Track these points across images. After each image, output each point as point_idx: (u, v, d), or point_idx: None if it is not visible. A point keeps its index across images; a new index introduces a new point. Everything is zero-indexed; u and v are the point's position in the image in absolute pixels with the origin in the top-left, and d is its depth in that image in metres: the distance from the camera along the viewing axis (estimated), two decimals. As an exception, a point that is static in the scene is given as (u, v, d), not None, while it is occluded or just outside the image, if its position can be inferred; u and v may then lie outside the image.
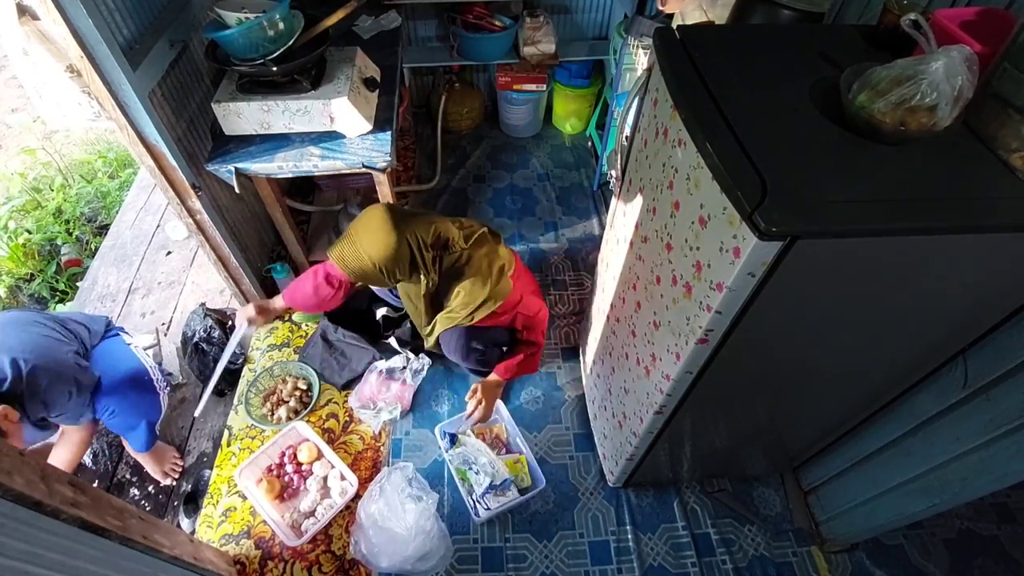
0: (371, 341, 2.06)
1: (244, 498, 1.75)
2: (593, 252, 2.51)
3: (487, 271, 1.54)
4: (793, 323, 0.98)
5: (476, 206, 2.73)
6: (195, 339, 2.03)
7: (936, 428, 1.26)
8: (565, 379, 2.07)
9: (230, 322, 2.14)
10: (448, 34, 2.70)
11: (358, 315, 2.14)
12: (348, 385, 2.02)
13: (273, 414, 1.92)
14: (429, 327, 1.67)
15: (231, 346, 1.68)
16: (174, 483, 1.82)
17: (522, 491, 1.74)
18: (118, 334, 1.68)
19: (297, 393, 1.97)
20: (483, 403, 1.70)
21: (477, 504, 1.69)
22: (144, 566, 1.14)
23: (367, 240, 1.37)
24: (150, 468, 1.79)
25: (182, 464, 1.85)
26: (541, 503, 1.77)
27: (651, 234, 1.15)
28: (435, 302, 1.62)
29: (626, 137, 1.35)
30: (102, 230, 2.77)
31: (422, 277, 1.51)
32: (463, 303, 1.53)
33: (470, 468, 1.74)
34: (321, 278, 1.63)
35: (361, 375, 2.01)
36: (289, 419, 1.90)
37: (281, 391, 1.97)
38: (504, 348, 1.79)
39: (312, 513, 1.70)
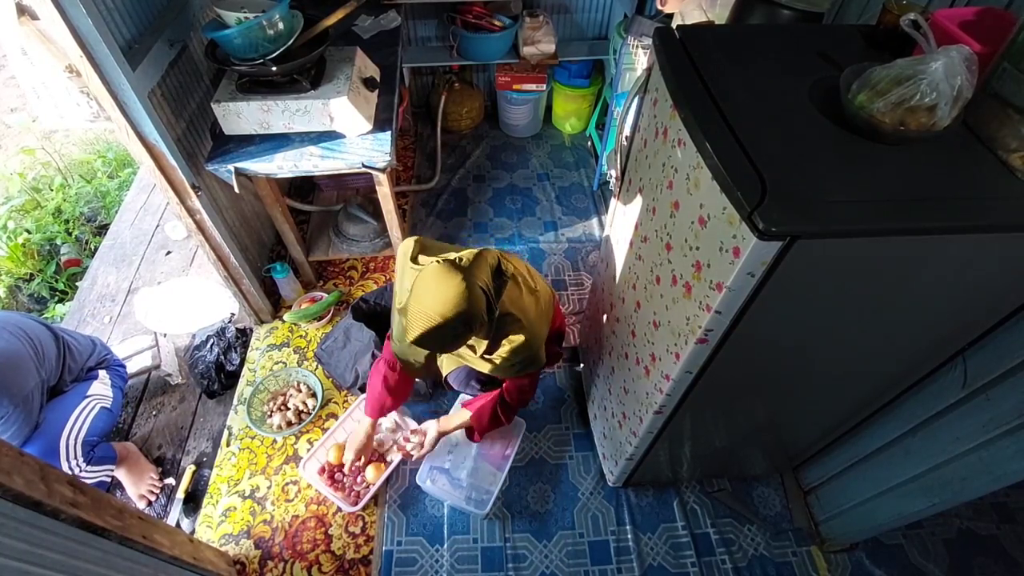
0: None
1: (244, 498, 1.75)
2: (593, 252, 2.52)
3: (544, 314, 1.37)
4: (793, 323, 0.98)
5: (476, 206, 2.73)
6: (210, 343, 2.06)
7: (936, 428, 1.26)
8: (565, 379, 2.07)
9: (234, 329, 2.15)
10: (448, 34, 2.70)
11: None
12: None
13: (272, 415, 1.91)
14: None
15: None
16: (150, 505, 1.76)
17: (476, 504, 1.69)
18: (96, 376, 1.65)
19: (301, 406, 1.95)
20: (430, 448, 1.66)
21: (427, 470, 1.75)
22: (144, 566, 1.14)
23: (431, 300, 1.07)
24: (128, 488, 1.75)
25: (160, 485, 1.80)
26: (541, 503, 1.77)
27: (651, 234, 1.15)
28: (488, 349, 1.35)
29: (626, 137, 1.35)
30: (102, 230, 2.76)
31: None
32: (512, 351, 1.30)
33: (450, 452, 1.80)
34: (385, 368, 1.57)
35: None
36: (289, 425, 1.90)
37: (290, 396, 1.97)
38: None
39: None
